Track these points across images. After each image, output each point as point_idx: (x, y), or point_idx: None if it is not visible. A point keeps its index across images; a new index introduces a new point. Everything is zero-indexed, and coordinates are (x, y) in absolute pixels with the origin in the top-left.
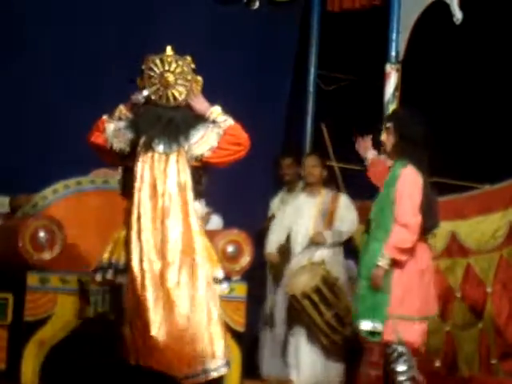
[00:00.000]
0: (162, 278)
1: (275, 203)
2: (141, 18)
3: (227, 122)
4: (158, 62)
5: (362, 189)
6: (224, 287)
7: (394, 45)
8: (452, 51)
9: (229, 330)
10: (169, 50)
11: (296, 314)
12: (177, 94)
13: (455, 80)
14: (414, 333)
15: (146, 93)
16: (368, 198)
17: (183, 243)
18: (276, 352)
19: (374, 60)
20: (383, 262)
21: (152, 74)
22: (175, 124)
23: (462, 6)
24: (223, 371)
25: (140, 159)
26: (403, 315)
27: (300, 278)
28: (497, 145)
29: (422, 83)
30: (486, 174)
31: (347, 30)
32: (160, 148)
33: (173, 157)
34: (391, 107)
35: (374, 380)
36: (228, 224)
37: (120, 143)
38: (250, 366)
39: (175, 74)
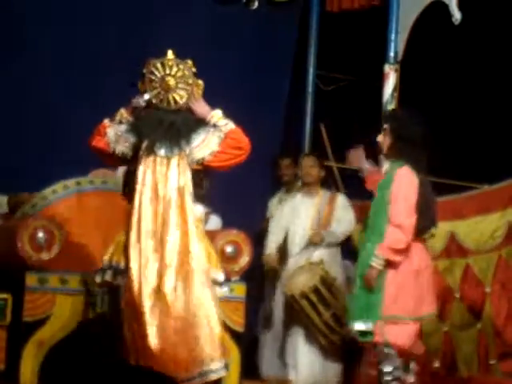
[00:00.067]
0: (159, 281)
1: (274, 204)
2: (140, 18)
3: (228, 125)
4: (159, 65)
5: (362, 189)
6: (224, 290)
7: (392, 45)
8: (451, 51)
9: (228, 330)
10: (170, 53)
11: (294, 314)
12: (178, 98)
13: (454, 80)
14: (402, 335)
15: (147, 96)
16: (368, 198)
17: (181, 247)
18: (275, 352)
19: (373, 60)
20: (377, 263)
21: (153, 77)
22: (176, 128)
23: (460, 7)
24: (222, 373)
25: (142, 163)
26: (396, 315)
27: (298, 278)
28: (495, 145)
29: (421, 84)
30: (485, 174)
31: (346, 30)
32: (162, 152)
33: (174, 160)
34: (390, 107)
35: (374, 380)
36: (227, 224)
37: (122, 147)
38: (249, 366)
39: (176, 78)
